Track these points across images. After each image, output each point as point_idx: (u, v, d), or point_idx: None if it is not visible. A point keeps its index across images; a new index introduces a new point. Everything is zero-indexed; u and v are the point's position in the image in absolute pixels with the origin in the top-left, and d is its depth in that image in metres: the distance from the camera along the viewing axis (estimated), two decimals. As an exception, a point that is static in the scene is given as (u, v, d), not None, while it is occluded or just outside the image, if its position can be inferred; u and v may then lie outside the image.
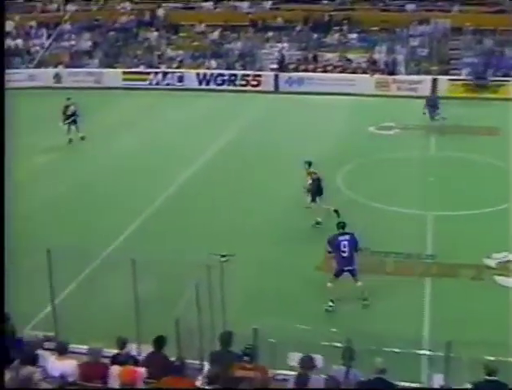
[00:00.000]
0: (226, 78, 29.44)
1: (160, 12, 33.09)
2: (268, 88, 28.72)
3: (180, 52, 31.18)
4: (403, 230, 13.70)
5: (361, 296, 11.05)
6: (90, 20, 33.68)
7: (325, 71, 29.00)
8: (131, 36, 32.75)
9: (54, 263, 9.25)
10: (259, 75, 29.13)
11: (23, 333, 8.76)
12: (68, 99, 21.59)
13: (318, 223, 13.82)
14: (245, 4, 32.67)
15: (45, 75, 30.77)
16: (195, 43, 31.71)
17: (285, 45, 30.67)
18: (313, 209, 14.04)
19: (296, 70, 29.42)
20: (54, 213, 15.38)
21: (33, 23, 33.44)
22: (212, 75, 29.62)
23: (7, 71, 28.08)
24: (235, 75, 29.43)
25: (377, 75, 27.76)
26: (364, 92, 26.55)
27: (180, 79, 29.83)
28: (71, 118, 21.03)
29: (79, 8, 34.54)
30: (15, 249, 9.69)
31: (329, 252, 11.30)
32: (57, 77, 30.72)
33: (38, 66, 31.55)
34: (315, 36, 30.93)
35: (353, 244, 11.07)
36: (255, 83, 29.09)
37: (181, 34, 32.53)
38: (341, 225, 11.35)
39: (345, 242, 11.01)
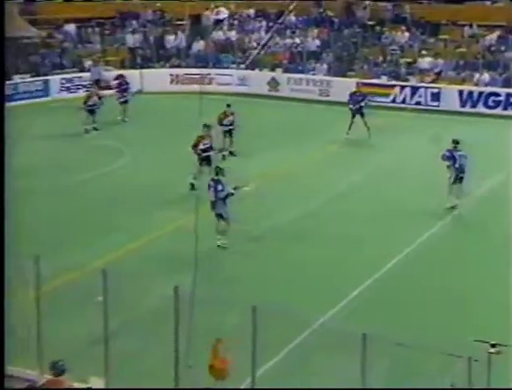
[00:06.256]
0: (502, 98, 29.00)
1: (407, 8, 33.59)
2: None
3: (439, 61, 31.25)
4: None
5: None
6: (321, 13, 35.26)
7: None
8: (372, 35, 33.64)
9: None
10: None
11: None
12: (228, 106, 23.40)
13: None
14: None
15: (260, 79, 32.70)
16: (461, 49, 31.63)
17: None
18: None
19: None
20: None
21: (251, 11, 35.89)
22: (481, 93, 29.29)
23: (216, 71, 31.20)
24: (516, 95, 28.89)
25: None
26: None
27: (436, 96, 29.94)
28: None
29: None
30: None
31: None
32: (273, 83, 32.51)
33: (251, 67, 33.68)
34: None
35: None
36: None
37: (442, 36, 32.67)
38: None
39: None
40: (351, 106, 25.97)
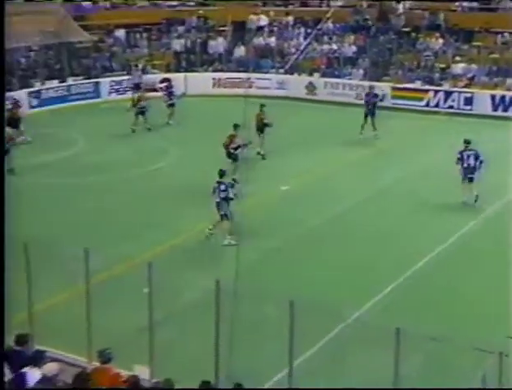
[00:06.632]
0: (531, 103, 28.51)
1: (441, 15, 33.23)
2: None
3: (473, 66, 30.90)
4: None
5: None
6: (358, 20, 35.08)
7: None
8: (407, 42, 33.33)
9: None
10: None
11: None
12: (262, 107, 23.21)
13: None
14: None
15: (298, 83, 32.57)
16: (494, 55, 31.21)
17: None
18: None
19: None
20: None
21: (290, 18, 35.81)
22: (514, 98, 28.90)
23: (256, 75, 31.25)
24: (544, 101, 28.40)
25: None
26: None
27: (469, 101, 29.58)
28: None
29: (345, 3, 36.22)
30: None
31: None
32: (310, 87, 32.39)
33: (290, 71, 33.56)
34: None
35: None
36: None
37: (475, 43, 32.29)
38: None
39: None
40: (366, 103, 26.08)
